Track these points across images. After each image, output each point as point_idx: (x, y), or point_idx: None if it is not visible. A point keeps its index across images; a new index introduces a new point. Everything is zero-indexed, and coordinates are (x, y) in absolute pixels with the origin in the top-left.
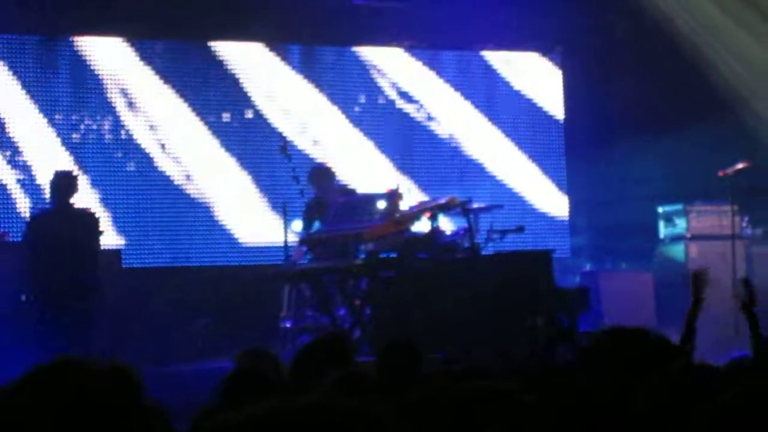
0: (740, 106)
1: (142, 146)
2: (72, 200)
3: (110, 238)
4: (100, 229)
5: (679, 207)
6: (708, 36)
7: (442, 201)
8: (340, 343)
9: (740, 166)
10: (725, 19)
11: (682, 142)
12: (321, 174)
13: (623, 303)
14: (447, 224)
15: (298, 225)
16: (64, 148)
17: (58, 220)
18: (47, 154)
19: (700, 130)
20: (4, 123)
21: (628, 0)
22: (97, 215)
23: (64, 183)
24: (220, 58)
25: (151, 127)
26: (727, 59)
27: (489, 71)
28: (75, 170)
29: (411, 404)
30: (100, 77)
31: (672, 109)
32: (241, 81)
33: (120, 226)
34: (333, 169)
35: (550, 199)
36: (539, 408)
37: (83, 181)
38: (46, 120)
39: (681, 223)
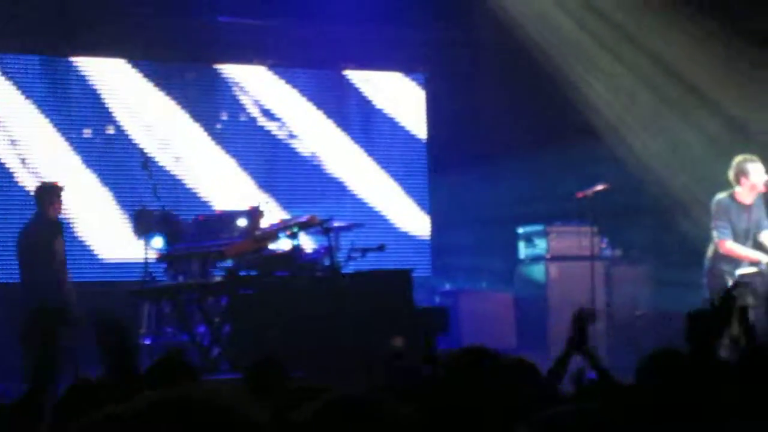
0: (602, 127)
1: (1, 161)
2: (52, 211)
3: None
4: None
5: (539, 228)
6: (573, 59)
7: (303, 219)
8: (179, 361)
9: (599, 187)
10: (593, 44)
11: (543, 163)
12: None
13: (483, 323)
14: (308, 242)
15: (158, 242)
16: None
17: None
18: None
19: (561, 152)
20: None
21: (493, 22)
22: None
23: (41, 193)
24: (82, 74)
25: (12, 143)
26: (591, 82)
27: (352, 90)
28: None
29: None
30: None
31: (534, 130)
32: (103, 97)
33: None
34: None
35: (412, 219)
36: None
37: None
38: None
39: (541, 244)
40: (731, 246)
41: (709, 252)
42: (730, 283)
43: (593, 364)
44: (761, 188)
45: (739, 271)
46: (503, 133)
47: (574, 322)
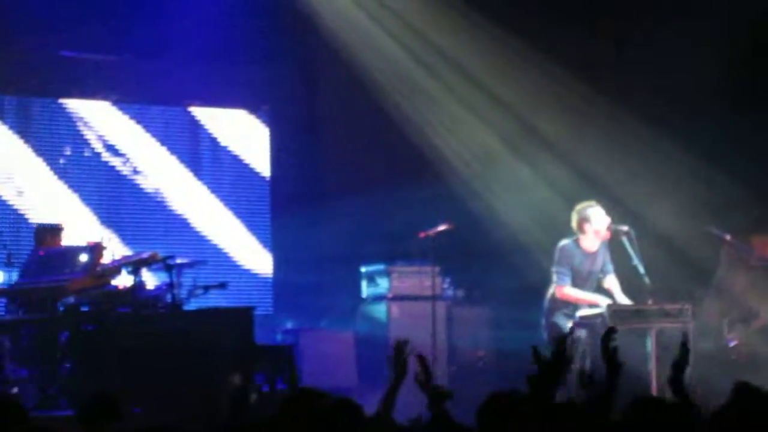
0: (445, 168)
1: None
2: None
3: None
4: None
5: (381, 267)
6: (416, 101)
7: (145, 255)
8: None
9: (442, 227)
10: (435, 84)
11: (386, 202)
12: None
13: (324, 362)
14: (150, 279)
15: None
16: None
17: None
18: None
19: (405, 191)
20: None
21: (334, 60)
22: None
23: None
24: None
25: None
26: (433, 122)
27: (196, 127)
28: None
29: None
30: None
31: (377, 169)
32: None
33: None
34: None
35: (255, 256)
36: None
37: None
38: None
39: (383, 283)
40: (568, 291)
41: (549, 294)
42: (569, 324)
43: (433, 404)
44: (604, 233)
45: (580, 313)
46: (346, 171)
47: (395, 355)
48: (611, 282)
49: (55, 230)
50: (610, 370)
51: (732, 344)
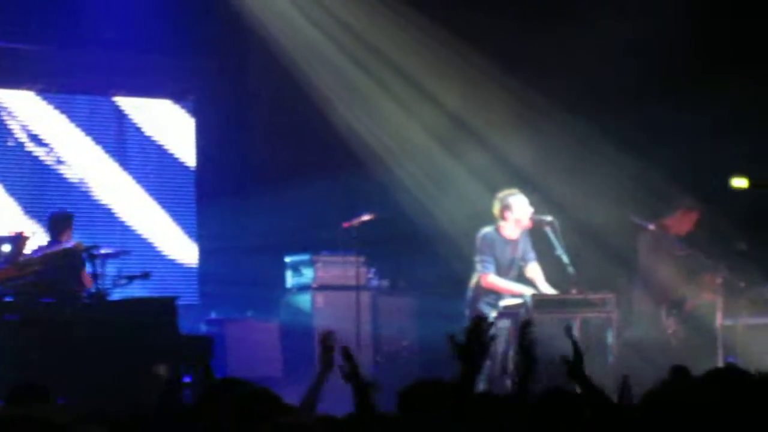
0: (369, 157)
1: None
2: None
3: None
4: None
5: (306, 257)
6: (342, 92)
7: (69, 246)
8: None
9: (365, 217)
10: (359, 74)
11: (311, 192)
12: None
13: (249, 352)
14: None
15: None
16: None
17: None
18: None
19: (330, 180)
20: None
21: (261, 49)
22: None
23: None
24: None
25: None
26: (358, 112)
27: (121, 117)
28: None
29: None
30: None
31: (303, 159)
32: None
33: None
34: None
35: (180, 246)
36: None
37: None
38: None
39: (308, 273)
40: (493, 280)
41: (472, 283)
42: (493, 314)
43: (358, 396)
44: (526, 222)
45: (503, 303)
46: (272, 162)
47: (321, 347)
48: (534, 270)
49: None
50: (525, 362)
51: (669, 330)
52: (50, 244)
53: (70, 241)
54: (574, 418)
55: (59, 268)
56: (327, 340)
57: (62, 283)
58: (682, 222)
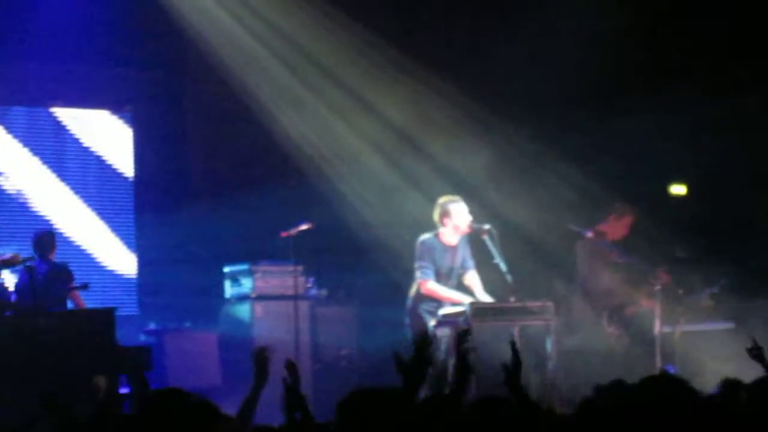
0: (308, 167)
1: None
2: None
3: None
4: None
5: (244, 267)
6: (282, 102)
7: (6, 257)
8: None
9: (304, 227)
10: (296, 82)
11: (249, 202)
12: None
13: (188, 362)
14: (10, 281)
15: None
16: None
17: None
18: None
19: (268, 191)
20: None
21: (199, 60)
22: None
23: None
24: None
25: None
26: (297, 121)
27: (59, 128)
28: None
29: None
30: None
31: (242, 170)
32: None
33: None
34: None
35: (118, 257)
36: None
37: None
38: None
39: (246, 283)
40: (433, 287)
41: (412, 291)
42: (433, 322)
43: (290, 411)
44: (465, 229)
45: (442, 311)
46: (211, 172)
47: (255, 361)
48: (472, 278)
49: None
50: (461, 370)
51: (613, 338)
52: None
53: (6, 254)
54: (504, 427)
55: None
56: (260, 355)
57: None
58: (616, 228)
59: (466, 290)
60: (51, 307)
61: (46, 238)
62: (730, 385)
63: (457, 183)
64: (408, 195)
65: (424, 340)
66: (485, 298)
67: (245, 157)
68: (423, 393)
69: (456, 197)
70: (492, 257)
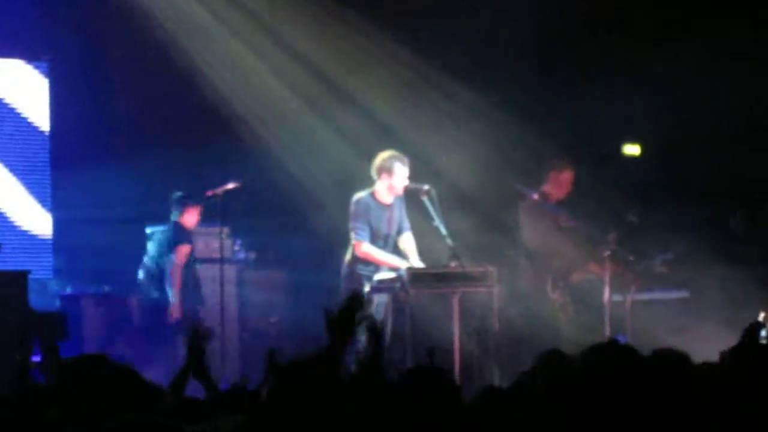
0: (236, 123)
1: None
2: None
3: None
4: None
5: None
6: (209, 55)
7: None
8: None
9: (230, 186)
10: (225, 34)
11: (174, 159)
12: None
13: (108, 329)
14: None
15: None
16: None
17: None
18: None
19: (193, 147)
20: None
21: (124, 10)
22: None
23: None
24: None
25: None
26: (228, 79)
27: None
28: None
29: None
30: None
31: (167, 127)
32: None
33: None
34: None
35: (33, 217)
36: None
37: None
38: None
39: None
40: (368, 249)
41: (347, 255)
42: (367, 288)
43: (208, 389)
44: (400, 191)
45: (378, 276)
46: (134, 127)
47: (189, 344)
48: (407, 241)
49: None
50: (370, 339)
51: (557, 305)
52: None
53: None
54: (435, 399)
55: None
56: (198, 337)
57: None
58: (557, 186)
59: (401, 254)
60: None
61: None
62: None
63: (393, 139)
64: (342, 151)
65: (357, 298)
66: (417, 263)
67: (170, 113)
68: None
69: (402, 155)
70: (431, 219)
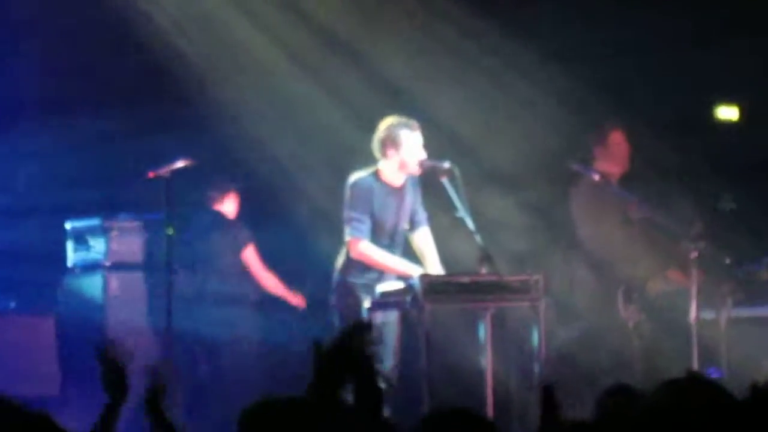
0: (190, 82)
1: None
2: None
3: None
4: None
5: (96, 222)
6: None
7: None
8: None
9: (180, 164)
10: None
11: (103, 131)
12: None
13: (13, 359)
14: None
15: None
16: None
17: None
18: None
19: (130, 116)
20: None
21: None
22: None
23: None
24: None
25: None
26: (177, 20)
27: None
28: None
29: None
30: None
31: (93, 88)
32: None
33: None
34: None
35: None
36: None
37: None
38: None
39: (97, 246)
40: (367, 249)
41: (340, 259)
42: (367, 304)
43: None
44: (414, 169)
45: (381, 288)
46: (49, 90)
47: (104, 365)
48: (423, 240)
49: None
50: (363, 374)
51: (630, 324)
52: None
53: None
54: None
55: None
56: (111, 355)
57: None
58: (609, 158)
59: (413, 258)
60: None
61: None
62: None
63: (403, 102)
64: (336, 121)
65: (360, 330)
66: (438, 269)
67: (97, 69)
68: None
69: (409, 120)
70: (454, 209)
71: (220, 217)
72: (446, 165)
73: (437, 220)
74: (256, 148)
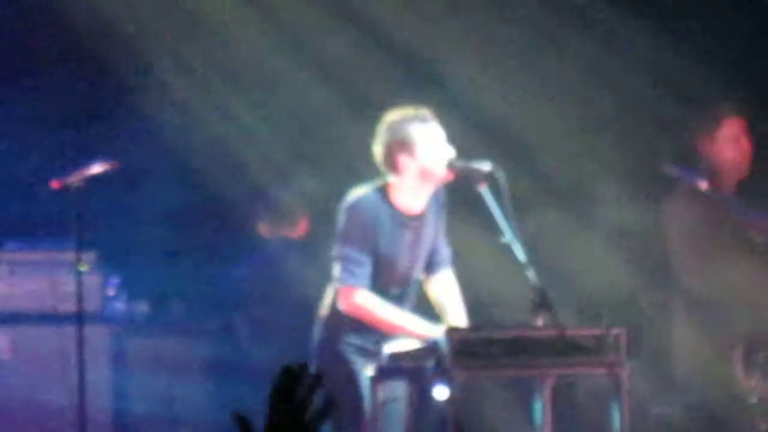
0: (117, 53)
1: None
2: None
3: None
4: None
5: None
6: None
7: None
8: None
9: (96, 169)
10: None
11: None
12: None
13: None
14: None
15: None
16: None
17: None
18: None
19: (31, 101)
20: None
21: None
22: None
23: None
24: None
25: None
26: None
27: None
28: None
29: None
30: None
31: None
32: None
33: None
34: None
35: None
36: None
37: None
38: None
39: None
40: (365, 302)
41: (325, 306)
42: (370, 371)
43: None
44: (442, 173)
45: (390, 349)
46: None
47: None
48: (446, 286)
49: None
50: None
51: (754, 397)
52: None
53: None
54: None
55: None
56: None
57: None
58: (719, 158)
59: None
60: None
61: None
62: None
63: (422, 81)
64: (322, 106)
65: (294, 378)
66: (464, 321)
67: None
68: None
69: (418, 109)
70: (498, 232)
71: None
72: (486, 167)
73: (469, 247)
74: (207, 143)
